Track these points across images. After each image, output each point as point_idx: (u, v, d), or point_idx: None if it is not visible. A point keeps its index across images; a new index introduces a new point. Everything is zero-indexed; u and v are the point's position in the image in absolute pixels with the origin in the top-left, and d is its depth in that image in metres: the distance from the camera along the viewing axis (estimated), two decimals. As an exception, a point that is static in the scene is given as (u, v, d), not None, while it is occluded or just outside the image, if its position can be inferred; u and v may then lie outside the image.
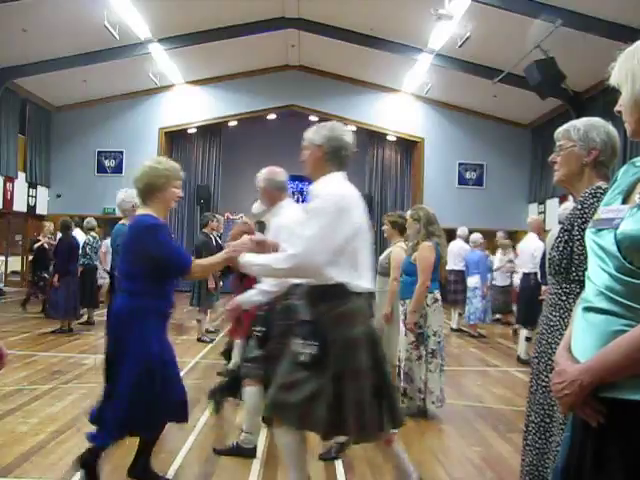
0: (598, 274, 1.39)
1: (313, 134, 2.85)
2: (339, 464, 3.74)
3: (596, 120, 2.34)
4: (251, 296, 3.50)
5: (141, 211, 3.20)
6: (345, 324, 2.66)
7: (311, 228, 2.67)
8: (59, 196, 15.87)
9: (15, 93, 13.87)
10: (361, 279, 2.74)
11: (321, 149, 2.81)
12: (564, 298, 2.24)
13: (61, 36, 11.79)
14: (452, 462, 3.96)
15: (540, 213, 14.90)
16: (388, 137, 16.93)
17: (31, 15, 10.74)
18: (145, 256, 3.01)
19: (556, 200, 13.74)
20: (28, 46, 11.92)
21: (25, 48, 12.01)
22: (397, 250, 5.48)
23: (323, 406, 2.59)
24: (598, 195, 2.12)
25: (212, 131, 17.27)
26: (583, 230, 2.13)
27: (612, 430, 1.33)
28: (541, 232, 7.83)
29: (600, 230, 1.40)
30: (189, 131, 16.83)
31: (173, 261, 3.06)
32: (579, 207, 2.19)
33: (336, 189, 2.77)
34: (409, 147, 17.13)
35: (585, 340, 1.39)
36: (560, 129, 2.36)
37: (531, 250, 7.33)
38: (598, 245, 1.39)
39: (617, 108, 1.46)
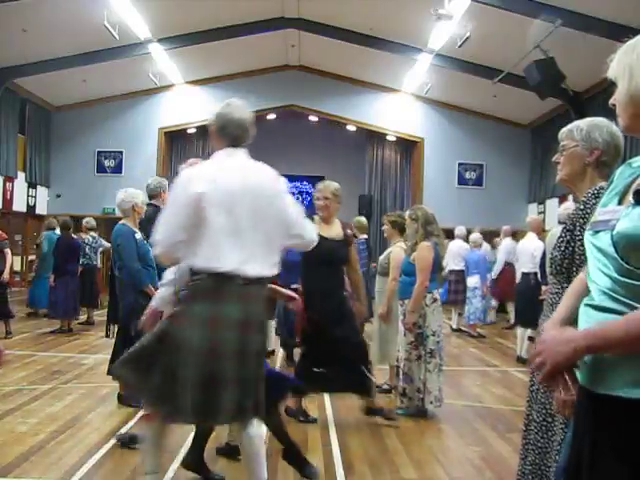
0: (599, 276, 1.39)
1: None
2: (339, 464, 3.74)
3: (600, 120, 2.34)
4: (160, 293, 3.29)
5: None
6: (185, 301, 2.73)
7: (163, 212, 2.78)
8: (59, 196, 15.86)
9: (15, 93, 13.86)
10: (212, 260, 2.61)
11: (213, 127, 2.87)
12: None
13: (61, 36, 11.78)
14: (451, 462, 3.96)
15: (540, 213, 14.89)
16: (388, 137, 16.92)
17: (31, 15, 10.73)
18: None
19: (556, 200, 13.73)
20: (28, 46, 11.91)
21: (25, 48, 12.00)
22: (397, 250, 5.48)
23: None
24: (600, 195, 2.12)
25: (212, 131, 17.27)
26: (585, 230, 2.14)
27: (605, 426, 1.34)
28: (540, 232, 7.83)
29: (597, 232, 1.40)
30: (189, 131, 16.81)
31: None
32: (581, 207, 2.19)
33: (190, 169, 2.83)
34: (409, 147, 17.13)
35: None
36: (564, 129, 2.37)
37: (531, 250, 7.31)
38: (596, 247, 1.39)
39: (611, 101, 1.46)
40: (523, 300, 7.42)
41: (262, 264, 2.70)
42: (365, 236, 8.10)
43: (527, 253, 7.41)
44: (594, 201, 2.13)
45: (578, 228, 2.19)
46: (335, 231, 4.49)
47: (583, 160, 2.30)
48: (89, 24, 11.17)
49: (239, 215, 2.65)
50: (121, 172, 15.83)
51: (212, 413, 2.63)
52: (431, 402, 4.77)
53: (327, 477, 3.56)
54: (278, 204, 2.78)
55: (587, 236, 1.45)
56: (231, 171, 2.74)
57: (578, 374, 1.40)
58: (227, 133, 2.80)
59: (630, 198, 1.36)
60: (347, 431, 4.44)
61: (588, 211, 2.14)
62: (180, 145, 17.36)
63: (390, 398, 5.35)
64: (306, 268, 4.43)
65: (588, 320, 1.41)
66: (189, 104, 16.06)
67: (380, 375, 6.07)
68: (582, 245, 2.14)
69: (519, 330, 7.50)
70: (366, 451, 4.02)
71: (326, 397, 5.39)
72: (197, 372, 2.57)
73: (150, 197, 5.57)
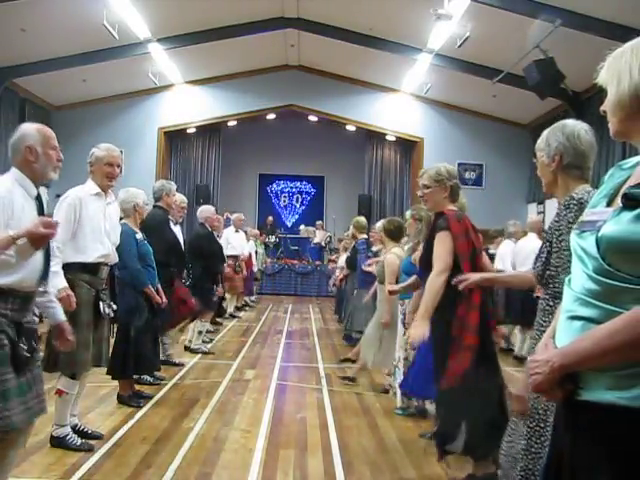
0: (578, 276, 1.41)
1: None
2: (339, 464, 3.75)
3: (560, 124, 2.37)
4: None
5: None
6: None
7: None
8: (59, 196, 15.72)
9: (14, 93, 13.86)
10: None
11: None
12: (551, 303, 2.25)
13: (60, 36, 11.79)
14: (451, 461, 3.95)
15: (539, 213, 14.90)
16: (387, 137, 16.93)
17: (30, 15, 10.73)
18: None
19: (555, 200, 13.66)
20: (27, 46, 11.91)
21: (24, 48, 12.00)
22: (390, 257, 5.46)
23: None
24: (570, 206, 2.16)
25: (211, 131, 17.27)
26: (560, 242, 2.16)
27: (583, 431, 1.36)
28: (540, 232, 7.80)
29: (583, 232, 1.42)
30: (188, 131, 16.82)
31: None
32: (556, 219, 2.22)
33: None
34: (408, 147, 17.14)
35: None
36: None
37: (535, 250, 7.26)
38: (581, 247, 1.41)
39: (602, 108, 1.48)
40: (520, 300, 7.38)
41: None
42: (365, 236, 8.09)
43: (528, 253, 7.35)
44: (565, 212, 2.16)
45: (554, 240, 2.20)
46: None
47: (549, 168, 2.33)
48: (88, 24, 11.17)
49: None
50: (120, 172, 15.80)
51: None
52: (431, 402, 4.76)
53: (327, 477, 3.56)
54: None
55: (573, 236, 1.47)
56: None
57: None
58: None
59: (619, 201, 1.37)
60: (347, 431, 4.45)
61: (562, 223, 2.16)
62: (180, 145, 17.37)
63: (389, 398, 5.36)
64: None
65: (559, 330, 1.45)
66: (189, 104, 16.07)
67: (380, 376, 6.08)
68: (558, 257, 2.17)
69: (517, 329, 7.49)
70: (366, 451, 4.02)
71: (326, 397, 5.39)
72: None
73: (155, 199, 5.70)
